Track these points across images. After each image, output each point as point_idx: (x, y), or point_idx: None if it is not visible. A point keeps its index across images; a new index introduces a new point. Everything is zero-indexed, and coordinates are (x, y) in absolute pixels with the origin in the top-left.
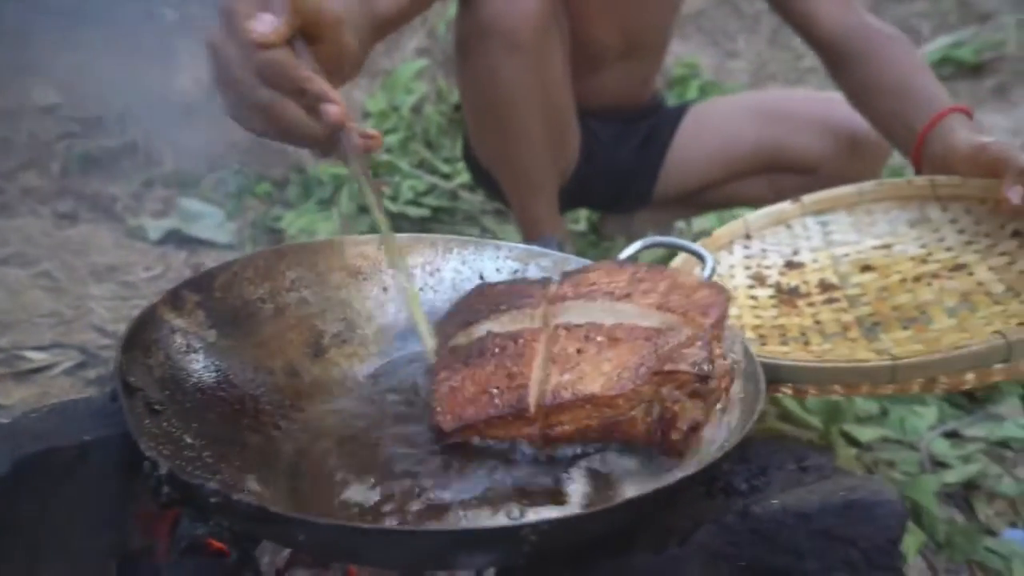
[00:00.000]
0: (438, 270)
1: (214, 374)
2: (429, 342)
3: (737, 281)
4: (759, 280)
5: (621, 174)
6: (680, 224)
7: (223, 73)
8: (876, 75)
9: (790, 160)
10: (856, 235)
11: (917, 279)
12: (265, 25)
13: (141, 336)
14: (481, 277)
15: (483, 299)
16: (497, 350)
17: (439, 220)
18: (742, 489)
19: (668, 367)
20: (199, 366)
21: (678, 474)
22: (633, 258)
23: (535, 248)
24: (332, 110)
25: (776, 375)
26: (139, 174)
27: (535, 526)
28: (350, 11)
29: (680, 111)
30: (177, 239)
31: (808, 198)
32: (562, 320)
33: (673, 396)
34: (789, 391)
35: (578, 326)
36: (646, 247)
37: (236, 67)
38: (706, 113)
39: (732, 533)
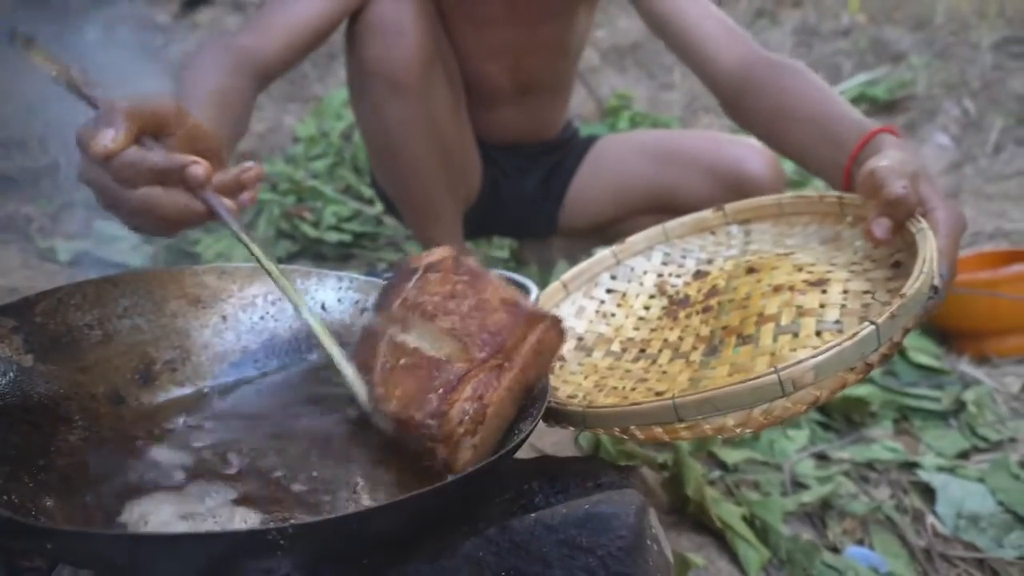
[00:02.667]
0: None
1: (25, 398)
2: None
3: (644, 287)
4: (660, 291)
5: (525, 204)
6: None
7: (102, 197)
8: (791, 102)
9: (680, 201)
10: (771, 246)
11: (777, 289)
12: (106, 137)
13: None
14: (323, 307)
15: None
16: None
17: (360, 246)
18: (540, 506)
19: (409, 411)
20: (8, 390)
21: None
22: None
23: (375, 279)
24: (195, 169)
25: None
26: (60, 196)
27: (281, 531)
28: (228, 71)
29: (587, 144)
30: (88, 261)
31: (730, 207)
32: (393, 330)
33: (425, 435)
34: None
35: (396, 343)
36: None
37: (106, 185)
38: (606, 150)
39: (494, 544)
